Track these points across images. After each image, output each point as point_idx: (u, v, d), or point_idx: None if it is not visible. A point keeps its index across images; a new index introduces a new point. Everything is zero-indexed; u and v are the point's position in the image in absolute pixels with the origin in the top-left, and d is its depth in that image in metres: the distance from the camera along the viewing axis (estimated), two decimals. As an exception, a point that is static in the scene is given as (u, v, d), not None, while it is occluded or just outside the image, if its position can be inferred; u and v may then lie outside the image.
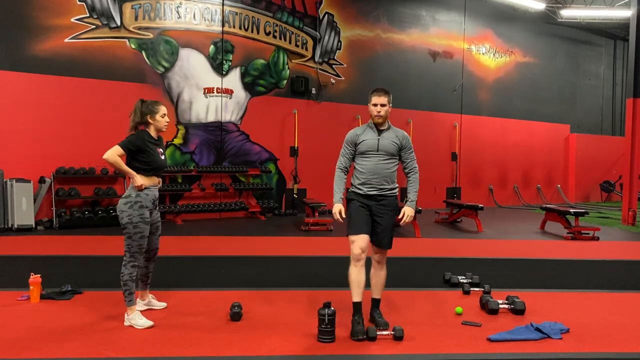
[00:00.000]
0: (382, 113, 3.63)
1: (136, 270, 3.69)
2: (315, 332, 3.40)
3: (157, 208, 3.90)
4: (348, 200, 3.72)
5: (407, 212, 3.63)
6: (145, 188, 3.70)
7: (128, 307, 3.64)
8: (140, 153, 3.67)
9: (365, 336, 3.35)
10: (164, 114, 3.81)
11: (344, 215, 3.62)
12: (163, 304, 4.04)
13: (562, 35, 15.90)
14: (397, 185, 3.72)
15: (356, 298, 3.54)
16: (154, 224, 3.84)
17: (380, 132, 3.67)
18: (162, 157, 3.83)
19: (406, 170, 3.75)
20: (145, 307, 3.94)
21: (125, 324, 3.61)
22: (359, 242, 3.51)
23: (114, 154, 3.59)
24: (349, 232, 3.59)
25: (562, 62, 16.07)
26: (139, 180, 3.65)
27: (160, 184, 3.93)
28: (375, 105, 3.64)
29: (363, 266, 3.54)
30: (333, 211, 3.64)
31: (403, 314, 3.95)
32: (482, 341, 3.40)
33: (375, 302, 3.76)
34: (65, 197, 8.38)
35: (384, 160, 3.61)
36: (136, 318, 3.60)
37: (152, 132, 3.80)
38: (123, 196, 3.70)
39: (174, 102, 9.78)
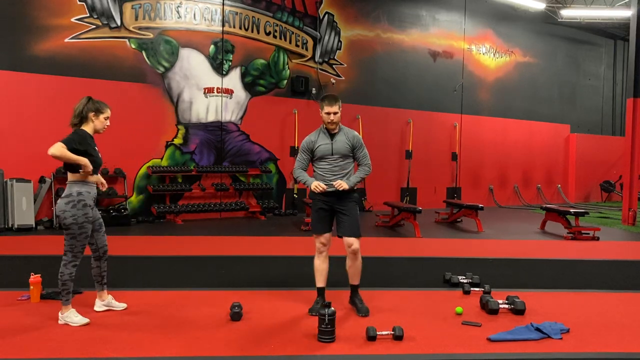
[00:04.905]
0: (334, 120, 3.93)
1: (76, 270, 3.67)
2: (315, 332, 3.40)
3: (96, 206, 3.87)
4: (311, 199, 4.12)
5: (341, 182, 3.88)
6: (86, 185, 3.67)
7: (63, 307, 3.63)
8: (82, 153, 3.65)
9: (318, 313, 3.41)
10: (107, 117, 3.84)
11: (323, 186, 3.87)
12: (123, 305, 3.99)
13: (562, 35, 15.90)
14: None
15: (319, 284, 4.04)
16: (95, 221, 3.84)
17: (332, 136, 3.98)
18: (100, 156, 3.84)
19: (359, 165, 4.11)
20: (105, 308, 3.94)
21: (60, 322, 3.60)
22: (321, 239, 4.01)
23: (59, 148, 3.54)
24: (312, 232, 4.08)
25: (562, 62, 16.06)
26: (89, 164, 3.61)
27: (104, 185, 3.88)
28: (328, 114, 3.91)
29: (326, 257, 4.04)
30: (312, 187, 3.88)
31: (403, 314, 3.95)
32: (482, 341, 3.40)
33: (354, 288, 4.09)
34: (65, 197, 8.37)
35: (340, 161, 3.96)
36: (71, 316, 3.60)
37: (90, 130, 3.79)
38: (63, 196, 3.67)
39: (174, 102, 9.79)
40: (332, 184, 3.90)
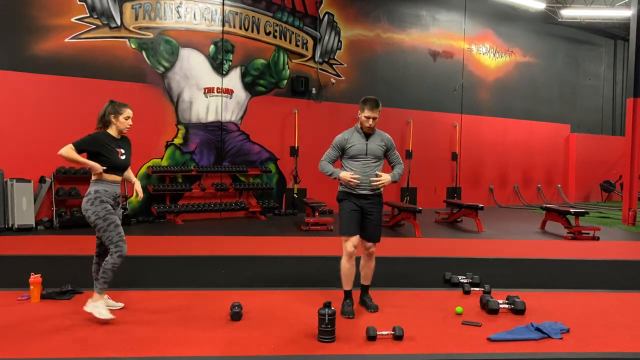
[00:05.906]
0: (372, 125, 3.95)
1: (121, 260, 3.74)
2: (315, 332, 3.40)
3: (120, 205, 3.98)
4: (339, 200, 4.05)
5: (385, 176, 3.94)
6: (104, 184, 3.78)
7: (97, 293, 3.69)
8: (96, 154, 3.76)
9: (353, 316, 3.40)
10: (128, 117, 3.91)
11: (355, 176, 3.86)
12: (120, 304, 4.01)
13: (562, 35, 15.90)
14: None
15: (347, 287, 4.01)
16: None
17: (367, 136, 3.99)
18: (122, 157, 3.90)
19: (392, 165, 4.13)
20: None
21: (86, 308, 3.65)
22: (352, 242, 3.92)
23: (67, 149, 3.68)
24: (342, 233, 3.97)
25: (562, 62, 16.06)
26: (97, 166, 3.73)
27: (137, 181, 4.12)
28: (367, 118, 3.92)
29: (354, 260, 3.99)
30: (343, 177, 3.87)
31: (403, 314, 3.95)
32: (482, 341, 3.40)
33: (365, 288, 4.16)
34: (65, 197, 8.39)
35: (372, 162, 3.97)
36: (100, 307, 3.64)
37: (114, 132, 3.89)
38: (85, 195, 3.79)
39: (174, 102, 9.79)
40: (369, 180, 3.90)
